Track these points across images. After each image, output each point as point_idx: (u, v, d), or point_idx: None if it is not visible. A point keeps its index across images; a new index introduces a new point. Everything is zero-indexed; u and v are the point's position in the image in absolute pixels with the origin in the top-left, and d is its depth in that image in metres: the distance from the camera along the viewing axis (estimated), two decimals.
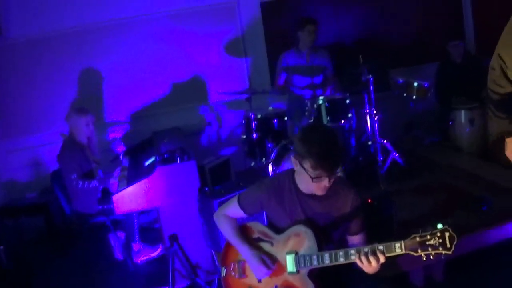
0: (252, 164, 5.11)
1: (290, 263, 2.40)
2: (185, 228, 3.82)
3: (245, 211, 2.59)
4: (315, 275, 2.39)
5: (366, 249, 2.19)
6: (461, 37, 6.34)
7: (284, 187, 2.49)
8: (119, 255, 4.60)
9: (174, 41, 5.78)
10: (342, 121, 4.86)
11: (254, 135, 4.92)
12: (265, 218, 2.90)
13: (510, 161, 2.74)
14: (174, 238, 3.41)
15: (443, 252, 2.04)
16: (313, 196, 2.42)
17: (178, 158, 3.96)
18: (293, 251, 2.40)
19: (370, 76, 4.79)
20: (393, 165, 4.90)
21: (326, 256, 2.29)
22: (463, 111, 5.57)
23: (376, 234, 2.50)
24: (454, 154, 5.43)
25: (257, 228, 2.59)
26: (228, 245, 2.66)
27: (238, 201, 2.59)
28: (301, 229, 2.39)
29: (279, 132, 4.98)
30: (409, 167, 4.93)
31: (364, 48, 5.50)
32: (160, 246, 4.51)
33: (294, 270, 2.38)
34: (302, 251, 2.37)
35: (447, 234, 2.04)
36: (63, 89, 5.54)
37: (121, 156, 4.87)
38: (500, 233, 3.55)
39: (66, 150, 4.38)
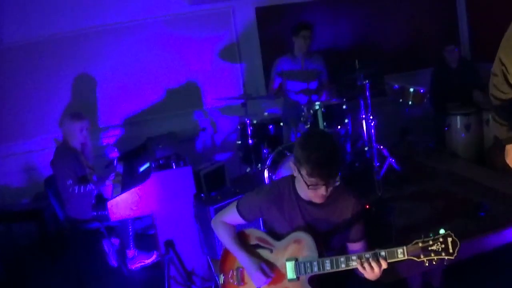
0: (248, 170, 5.06)
1: (290, 270, 2.37)
2: (180, 235, 3.80)
3: (244, 218, 2.55)
4: (316, 281, 2.36)
5: (368, 255, 2.17)
6: (456, 42, 6.35)
7: (284, 194, 2.46)
8: (113, 261, 4.56)
9: (168, 46, 5.75)
10: (339, 127, 4.83)
11: (250, 141, 4.85)
12: (261, 224, 2.88)
13: (507, 166, 2.73)
14: (170, 244, 3.39)
15: (446, 257, 2.03)
16: (313, 203, 2.39)
17: (173, 164, 3.93)
18: (293, 258, 2.37)
19: (366, 81, 4.74)
20: (390, 170, 4.88)
21: (327, 263, 2.27)
22: (458, 117, 5.58)
23: (375, 240, 2.49)
24: (450, 160, 5.42)
25: (256, 234, 2.56)
26: (227, 252, 2.63)
27: (237, 207, 2.55)
28: (301, 235, 2.36)
29: (275, 138, 4.93)
30: (405, 172, 4.91)
31: (360, 54, 5.50)
32: (155, 252, 4.48)
33: (294, 277, 2.36)
34: (302, 258, 2.35)
35: (449, 239, 2.02)
36: (57, 94, 5.48)
37: (115, 162, 4.82)
38: (497, 239, 3.54)
39: (60, 156, 4.33)
